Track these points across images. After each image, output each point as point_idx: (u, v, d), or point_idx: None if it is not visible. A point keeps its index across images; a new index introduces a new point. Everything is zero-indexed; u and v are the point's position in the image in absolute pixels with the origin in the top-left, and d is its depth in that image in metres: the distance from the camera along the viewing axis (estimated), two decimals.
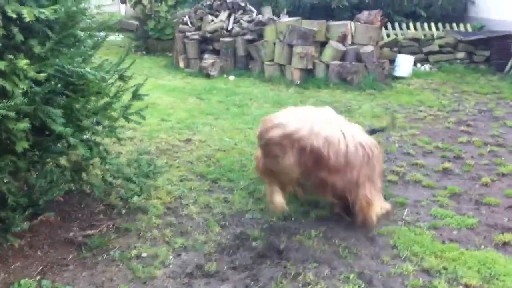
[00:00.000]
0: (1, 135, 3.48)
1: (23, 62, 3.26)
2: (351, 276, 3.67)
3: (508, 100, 8.66)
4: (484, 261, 3.80)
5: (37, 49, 3.39)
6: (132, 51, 13.02)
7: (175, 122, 7.45)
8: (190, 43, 11.21)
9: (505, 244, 4.08)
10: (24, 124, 3.33)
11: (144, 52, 13.29)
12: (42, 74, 3.39)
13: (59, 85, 3.78)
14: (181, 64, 11.44)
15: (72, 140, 3.83)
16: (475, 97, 8.91)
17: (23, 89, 3.31)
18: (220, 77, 10.62)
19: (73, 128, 3.85)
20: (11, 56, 3.20)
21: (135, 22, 14.24)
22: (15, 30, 3.34)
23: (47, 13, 3.26)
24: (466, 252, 3.94)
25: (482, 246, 4.07)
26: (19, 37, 3.28)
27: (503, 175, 5.48)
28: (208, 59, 10.91)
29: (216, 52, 11.14)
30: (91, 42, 4.24)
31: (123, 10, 18.71)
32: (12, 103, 3.05)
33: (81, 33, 3.83)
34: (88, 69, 3.91)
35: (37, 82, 3.47)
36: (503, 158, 5.95)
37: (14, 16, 3.21)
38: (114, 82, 4.49)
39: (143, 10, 13.34)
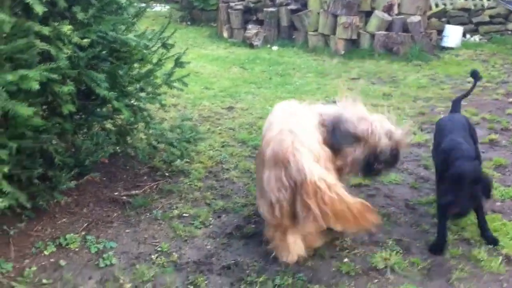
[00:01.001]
0: (48, 98, 3.59)
1: (66, 28, 3.33)
2: (389, 242, 3.65)
3: None
4: None
5: (80, 16, 3.45)
6: (178, 21, 13.12)
7: (218, 91, 7.51)
8: (233, 13, 11.19)
9: None
10: (69, 87, 3.41)
11: (189, 23, 13.36)
12: (85, 40, 3.46)
13: (103, 51, 3.87)
14: (225, 34, 11.46)
15: (116, 104, 3.92)
16: None
17: (67, 53, 3.38)
18: (264, 47, 10.60)
19: (117, 93, 3.94)
20: (55, 24, 3.27)
21: None
22: None
23: None
24: (508, 224, 3.86)
25: None
26: (63, 3, 3.34)
27: None
28: (252, 29, 10.88)
29: (260, 22, 11.10)
30: (133, 10, 4.31)
31: None
32: (55, 66, 3.12)
33: (123, 0, 3.88)
34: (131, 36, 3.99)
35: (81, 48, 3.56)
36: None
37: None
38: (157, 50, 4.56)
39: None
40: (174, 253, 3.57)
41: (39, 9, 2.99)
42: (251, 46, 10.61)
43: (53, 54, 3.25)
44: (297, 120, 3.38)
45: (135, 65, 4.29)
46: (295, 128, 3.23)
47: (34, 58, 3.14)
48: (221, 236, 3.81)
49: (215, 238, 3.78)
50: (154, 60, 4.45)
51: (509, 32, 10.94)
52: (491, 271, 3.30)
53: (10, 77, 2.73)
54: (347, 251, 3.57)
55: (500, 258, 3.42)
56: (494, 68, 8.69)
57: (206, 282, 3.27)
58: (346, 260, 3.46)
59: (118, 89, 4.03)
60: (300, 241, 3.35)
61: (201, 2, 13.23)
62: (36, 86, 2.85)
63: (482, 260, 3.40)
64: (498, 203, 4.21)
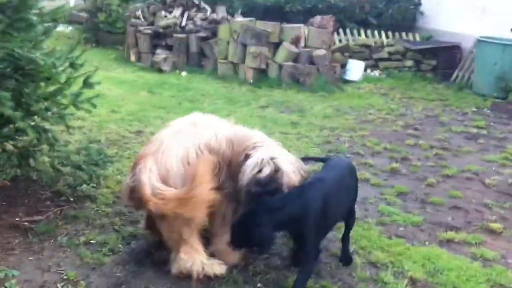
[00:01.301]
0: None
1: None
2: (292, 268, 3.70)
3: (453, 107, 8.98)
4: (429, 256, 3.92)
5: None
6: (82, 42, 12.73)
7: (125, 114, 7.34)
8: (142, 38, 11.07)
9: (448, 241, 4.24)
10: None
11: (93, 45, 12.99)
12: None
13: (8, 69, 3.68)
14: (133, 58, 11.28)
15: (21, 124, 3.73)
16: (422, 103, 9.20)
17: None
18: (172, 72, 10.53)
19: (22, 112, 3.75)
20: None
21: (85, 15, 13.94)
22: None
23: None
24: (411, 248, 4.06)
25: (427, 243, 4.20)
26: None
27: (448, 176, 5.68)
28: (160, 54, 10.80)
29: (169, 47, 11.04)
30: (42, 28, 4.14)
31: (73, 1, 18.29)
32: None
33: (33, 18, 3.73)
34: (38, 54, 3.83)
35: None
36: (448, 161, 6.17)
37: None
38: (65, 69, 4.40)
39: (94, 2, 13.07)
40: (81, 281, 3.40)
41: None
42: (160, 71, 10.52)
43: None
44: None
45: (42, 83, 4.11)
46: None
47: None
48: (131, 263, 3.68)
49: (125, 266, 3.65)
50: (62, 80, 4.29)
51: (406, 69, 11.69)
52: None
53: None
54: (260, 276, 3.57)
55: (406, 280, 3.58)
56: (393, 102, 9.22)
57: None
58: (259, 285, 3.47)
59: (23, 108, 3.83)
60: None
61: (107, 24, 12.95)
62: None
63: (388, 283, 3.54)
64: (401, 228, 4.42)
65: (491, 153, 6.58)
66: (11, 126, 4.07)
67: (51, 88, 4.20)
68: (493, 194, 5.25)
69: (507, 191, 5.35)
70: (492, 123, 8.05)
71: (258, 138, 3.59)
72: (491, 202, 5.01)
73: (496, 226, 4.49)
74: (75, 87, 4.48)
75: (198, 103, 8.29)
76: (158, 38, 11.11)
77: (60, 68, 4.30)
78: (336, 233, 4.21)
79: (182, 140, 3.48)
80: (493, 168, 6.00)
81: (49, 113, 4.28)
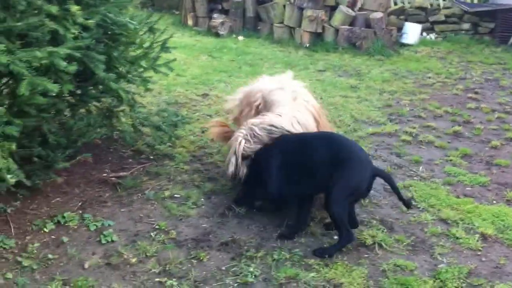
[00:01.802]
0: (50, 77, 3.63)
1: (75, 8, 3.40)
2: (374, 222, 3.92)
3: None
4: (498, 214, 4.06)
5: None
6: (138, 7, 13.01)
7: (190, 78, 7.61)
8: (199, 2, 11.26)
9: None
10: (74, 67, 3.46)
11: (150, 9, 13.28)
12: (90, 21, 3.54)
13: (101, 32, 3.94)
14: (190, 22, 11.50)
15: (114, 86, 4.01)
16: (481, 67, 9.12)
17: (74, 33, 3.45)
18: (229, 36, 10.72)
19: (114, 75, 4.03)
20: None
21: None
22: None
23: None
24: (480, 206, 4.20)
25: (495, 202, 4.33)
26: None
27: (511, 139, 5.73)
28: (218, 18, 10.98)
29: (225, 11, 11.21)
30: None
31: None
32: (76, 45, 3.19)
33: None
34: (127, 19, 4.08)
35: (84, 28, 3.63)
36: (510, 124, 6.19)
37: None
38: (144, 34, 4.65)
39: None
40: (172, 231, 3.71)
41: None
42: (217, 35, 10.72)
43: (61, 34, 3.31)
44: None
45: (128, 47, 4.37)
46: None
47: (45, 36, 3.19)
48: (214, 215, 3.97)
49: (209, 218, 3.94)
50: (146, 44, 4.54)
51: (463, 32, 11.51)
52: (470, 247, 3.62)
53: (38, 53, 2.79)
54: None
55: (477, 236, 3.75)
56: (451, 65, 9.17)
57: (208, 256, 3.43)
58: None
59: (112, 71, 4.11)
60: None
61: None
62: (66, 65, 2.91)
63: (460, 238, 3.72)
64: (468, 188, 4.56)
65: None
66: (98, 87, 4.36)
67: (137, 52, 4.45)
68: None
69: None
70: None
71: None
72: None
73: None
74: (154, 51, 4.73)
75: (258, 67, 8.48)
76: (215, 2, 11.29)
77: (141, 33, 4.57)
78: (403, 191, 4.40)
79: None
80: None
81: (133, 76, 4.55)
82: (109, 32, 4.15)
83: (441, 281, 3.25)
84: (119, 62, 4.29)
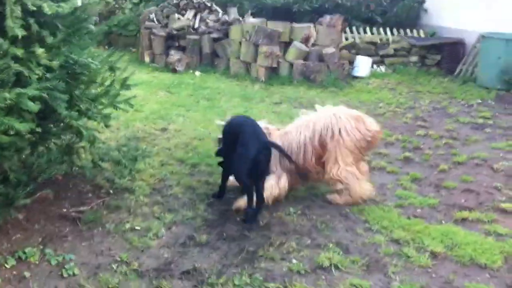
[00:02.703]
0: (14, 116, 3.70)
1: (40, 51, 3.52)
2: (330, 245, 4.07)
3: (459, 100, 9.33)
4: (446, 233, 4.28)
5: (49, 40, 3.65)
6: (95, 45, 13.11)
7: (148, 113, 7.71)
8: (156, 39, 11.44)
9: (463, 219, 4.59)
10: (37, 107, 3.54)
11: (106, 47, 13.38)
12: (54, 62, 3.65)
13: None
14: (147, 59, 11.66)
15: (75, 123, 4.09)
16: (429, 96, 9.55)
17: (38, 75, 3.56)
18: (186, 72, 10.90)
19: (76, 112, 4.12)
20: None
21: (96, 17, 14.32)
22: (32, 21, 3.59)
23: (65, 7, 3.54)
24: (430, 226, 4.42)
25: (443, 221, 4.56)
26: (35, 27, 3.53)
27: (458, 163, 6.03)
28: (175, 55, 11.17)
29: (182, 48, 11.41)
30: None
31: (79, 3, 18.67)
32: (44, 86, 3.29)
33: (92, 26, 4.10)
34: (90, 59, 4.21)
35: (48, 69, 3.74)
36: (457, 149, 6.52)
37: (34, 9, 3.47)
38: (105, 72, 4.78)
39: (106, 5, 13.47)
40: (133, 262, 3.76)
41: (20, 32, 3.15)
42: (174, 71, 10.89)
43: (26, 75, 3.40)
44: None
45: (89, 85, 4.48)
46: None
47: (10, 78, 3.28)
48: (175, 245, 4.05)
49: (170, 248, 4.01)
50: (107, 82, 4.66)
51: (412, 64, 12.04)
52: (420, 265, 3.80)
53: (7, 95, 2.87)
54: (294, 253, 3.94)
55: (427, 254, 3.94)
56: (401, 95, 9.56)
57: (169, 286, 3.50)
58: (294, 261, 3.82)
59: (74, 109, 4.20)
60: None
61: (119, 27, 13.34)
62: (32, 105, 3.01)
63: (411, 257, 3.90)
64: (419, 210, 4.79)
65: (498, 141, 6.92)
66: (59, 124, 4.42)
67: (98, 90, 4.56)
68: (502, 178, 5.60)
69: None
70: (497, 114, 8.38)
71: None
72: (500, 185, 5.36)
73: (506, 205, 4.83)
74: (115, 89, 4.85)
75: (215, 101, 8.65)
76: (172, 40, 11.49)
77: (102, 71, 4.69)
78: (358, 215, 4.58)
79: None
80: (500, 155, 6.34)
81: (93, 113, 4.64)
82: (71, 72, 4.26)
83: None
84: (80, 100, 4.38)
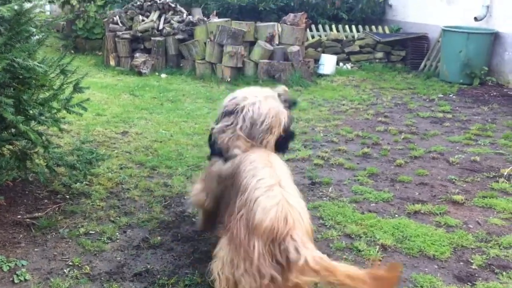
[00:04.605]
0: None
1: None
2: None
3: (421, 95, 9.48)
4: (398, 226, 4.36)
5: None
6: (60, 50, 12.99)
7: (110, 117, 7.66)
8: (121, 42, 11.38)
9: (415, 212, 4.68)
10: None
11: (72, 51, 13.25)
12: None
13: (7, 77, 4.01)
14: (112, 63, 11.58)
15: (23, 128, 4.06)
16: (392, 92, 9.68)
17: None
18: (152, 75, 10.86)
19: (23, 117, 4.09)
20: None
21: (61, 22, 14.18)
22: None
23: (3, 10, 3.51)
24: (382, 220, 4.50)
25: (396, 215, 4.64)
26: None
27: (415, 157, 6.14)
28: (139, 57, 11.11)
29: (147, 51, 11.37)
30: (36, 38, 4.50)
31: (48, 8, 18.44)
32: None
33: (33, 29, 4.07)
34: (35, 63, 4.17)
35: None
36: (415, 144, 6.63)
37: None
38: (57, 76, 4.74)
39: (71, 10, 13.33)
40: (86, 266, 3.75)
41: None
42: (139, 74, 10.84)
43: None
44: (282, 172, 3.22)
45: (37, 90, 4.44)
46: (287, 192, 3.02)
47: None
48: (129, 248, 4.05)
49: (123, 251, 4.01)
50: (56, 86, 4.63)
51: (377, 61, 12.19)
52: (370, 258, 3.87)
53: None
54: None
55: (377, 247, 4.01)
56: (364, 92, 9.68)
57: None
58: None
59: (22, 114, 4.17)
60: None
61: (85, 31, 13.22)
62: None
63: (362, 250, 3.97)
64: (373, 204, 4.86)
65: (456, 134, 7.06)
66: (11, 130, 4.39)
67: (46, 94, 4.53)
68: (457, 170, 5.72)
69: (470, 167, 5.82)
70: (457, 108, 8.55)
71: None
72: (455, 178, 5.47)
73: (459, 197, 4.94)
74: (66, 92, 4.82)
75: (180, 103, 8.64)
76: (137, 42, 11.44)
77: (52, 75, 4.66)
78: (313, 211, 4.64)
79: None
80: (457, 148, 6.47)
81: (44, 117, 4.61)
82: (18, 76, 4.23)
83: None
84: (29, 104, 4.35)
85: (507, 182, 5.38)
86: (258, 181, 3.03)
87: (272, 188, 2.97)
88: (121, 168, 5.65)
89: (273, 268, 2.81)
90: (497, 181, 5.40)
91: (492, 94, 9.60)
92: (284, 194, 2.95)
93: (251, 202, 2.94)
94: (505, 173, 5.56)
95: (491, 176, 5.57)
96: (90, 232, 4.28)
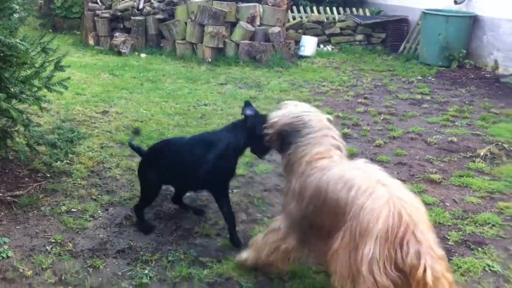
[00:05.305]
0: None
1: None
2: (266, 219, 4.18)
3: (400, 77, 9.59)
4: None
5: None
6: (38, 29, 12.79)
7: (90, 96, 7.61)
8: (100, 21, 11.24)
9: None
10: None
11: (50, 30, 13.05)
12: None
13: None
14: (91, 42, 11.44)
15: (4, 105, 4.02)
16: (372, 74, 9.77)
17: None
18: (132, 54, 10.77)
19: (4, 94, 4.05)
20: None
21: (40, 0, 13.92)
22: None
23: None
24: None
25: None
26: None
27: (394, 138, 6.24)
28: (119, 37, 11.00)
29: (127, 30, 11.26)
30: (17, 15, 4.44)
31: None
32: None
33: (16, 6, 4.01)
34: (18, 40, 4.13)
35: None
36: (394, 125, 6.73)
37: None
38: (37, 54, 4.69)
39: None
40: (68, 243, 3.76)
41: None
42: (119, 53, 10.74)
43: None
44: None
45: (19, 67, 4.40)
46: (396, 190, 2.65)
47: None
48: (111, 226, 4.06)
49: (106, 228, 4.03)
50: (38, 64, 4.58)
51: (357, 43, 12.26)
52: None
53: None
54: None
55: None
56: (344, 74, 9.75)
57: (104, 264, 3.52)
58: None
59: (3, 91, 4.13)
60: None
61: (63, 10, 13.01)
62: None
63: None
64: None
65: (434, 115, 7.18)
66: None
67: (28, 72, 4.48)
68: (434, 150, 5.83)
69: (447, 147, 5.94)
70: (435, 90, 8.67)
71: None
72: (432, 158, 5.58)
73: (436, 176, 5.05)
74: (47, 71, 4.78)
75: (160, 83, 8.61)
76: (116, 21, 11.32)
77: (33, 53, 4.61)
78: None
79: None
80: (435, 129, 6.59)
81: (25, 96, 4.57)
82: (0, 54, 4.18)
83: None
84: (10, 82, 4.31)
85: (483, 162, 5.51)
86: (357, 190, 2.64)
87: (374, 189, 2.60)
88: (102, 147, 5.63)
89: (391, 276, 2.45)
90: (474, 161, 5.53)
91: (470, 77, 9.74)
92: (391, 191, 2.59)
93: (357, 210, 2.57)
94: (482, 153, 5.69)
95: (468, 156, 5.69)
96: (72, 210, 4.28)
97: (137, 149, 4.45)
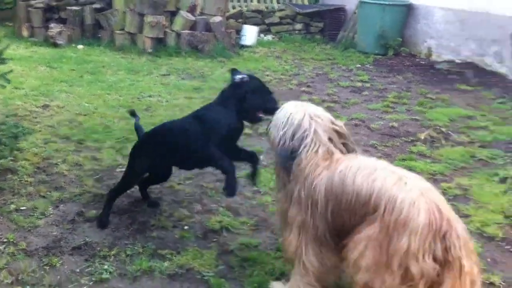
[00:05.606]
0: None
1: None
2: (220, 209, 4.23)
3: (340, 65, 9.81)
4: None
5: None
6: None
7: (28, 90, 7.37)
8: (34, 12, 10.85)
9: None
10: None
11: None
12: None
13: None
14: (25, 33, 11.03)
15: None
16: (313, 63, 9.95)
17: None
18: (68, 46, 10.46)
19: None
20: None
21: None
22: None
23: None
24: None
25: None
26: None
27: None
28: (55, 28, 10.65)
29: (63, 21, 10.92)
30: None
31: None
32: None
33: None
34: None
35: None
36: (338, 112, 6.90)
37: None
38: None
39: None
40: (21, 242, 3.66)
41: None
42: (55, 45, 10.40)
43: None
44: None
45: None
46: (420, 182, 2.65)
47: None
48: (64, 222, 3.98)
49: (59, 225, 3.94)
50: None
51: (296, 32, 12.42)
52: None
53: None
54: (186, 219, 4.04)
55: None
56: (286, 63, 9.88)
57: (60, 262, 3.46)
58: (186, 227, 3.93)
59: None
60: None
61: None
62: None
63: None
64: None
65: (374, 102, 7.42)
66: None
67: None
68: (378, 136, 6.04)
69: (389, 133, 6.17)
70: (374, 77, 8.94)
71: None
72: (376, 143, 5.79)
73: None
74: None
75: (100, 75, 8.43)
76: (51, 12, 10.97)
77: None
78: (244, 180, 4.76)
79: None
80: (376, 115, 6.82)
81: None
82: None
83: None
84: None
85: (424, 145, 5.76)
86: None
87: (402, 181, 2.56)
88: (46, 143, 5.49)
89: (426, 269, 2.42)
90: (415, 145, 5.77)
91: (405, 64, 10.10)
92: (419, 185, 2.56)
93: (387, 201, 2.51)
94: (422, 137, 5.94)
95: (409, 140, 5.93)
96: (21, 208, 4.16)
97: (139, 130, 4.34)
